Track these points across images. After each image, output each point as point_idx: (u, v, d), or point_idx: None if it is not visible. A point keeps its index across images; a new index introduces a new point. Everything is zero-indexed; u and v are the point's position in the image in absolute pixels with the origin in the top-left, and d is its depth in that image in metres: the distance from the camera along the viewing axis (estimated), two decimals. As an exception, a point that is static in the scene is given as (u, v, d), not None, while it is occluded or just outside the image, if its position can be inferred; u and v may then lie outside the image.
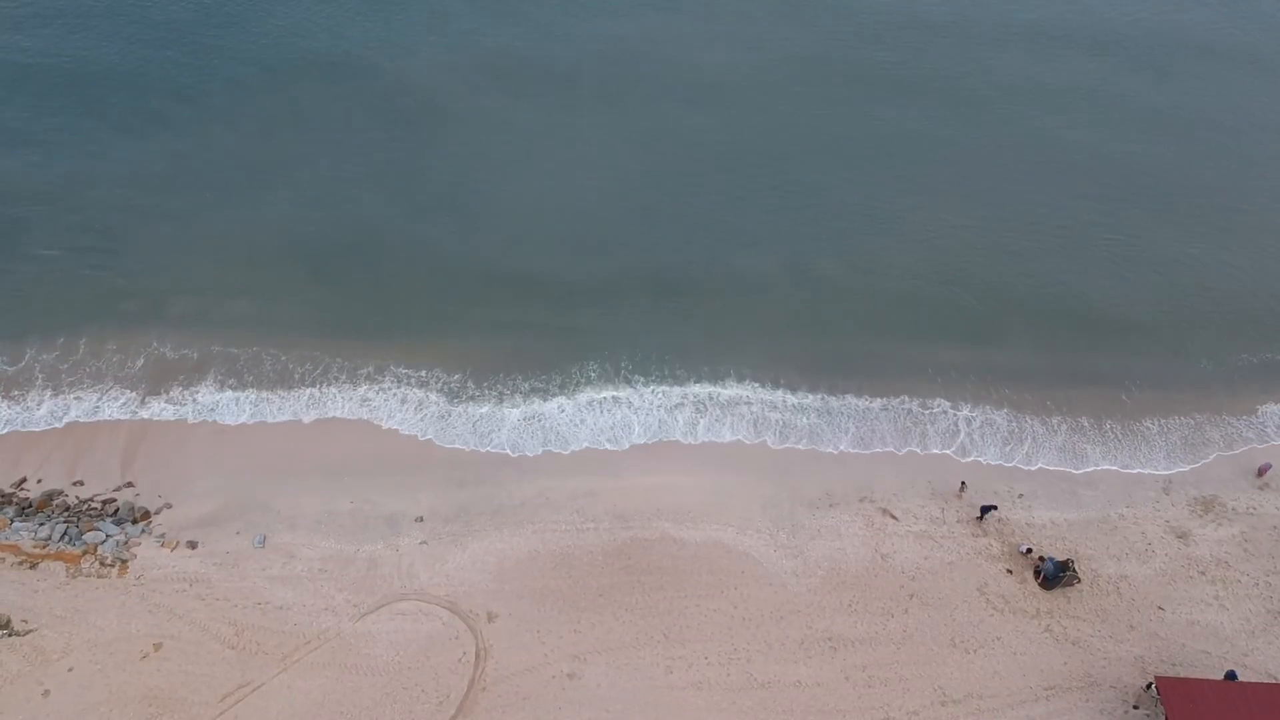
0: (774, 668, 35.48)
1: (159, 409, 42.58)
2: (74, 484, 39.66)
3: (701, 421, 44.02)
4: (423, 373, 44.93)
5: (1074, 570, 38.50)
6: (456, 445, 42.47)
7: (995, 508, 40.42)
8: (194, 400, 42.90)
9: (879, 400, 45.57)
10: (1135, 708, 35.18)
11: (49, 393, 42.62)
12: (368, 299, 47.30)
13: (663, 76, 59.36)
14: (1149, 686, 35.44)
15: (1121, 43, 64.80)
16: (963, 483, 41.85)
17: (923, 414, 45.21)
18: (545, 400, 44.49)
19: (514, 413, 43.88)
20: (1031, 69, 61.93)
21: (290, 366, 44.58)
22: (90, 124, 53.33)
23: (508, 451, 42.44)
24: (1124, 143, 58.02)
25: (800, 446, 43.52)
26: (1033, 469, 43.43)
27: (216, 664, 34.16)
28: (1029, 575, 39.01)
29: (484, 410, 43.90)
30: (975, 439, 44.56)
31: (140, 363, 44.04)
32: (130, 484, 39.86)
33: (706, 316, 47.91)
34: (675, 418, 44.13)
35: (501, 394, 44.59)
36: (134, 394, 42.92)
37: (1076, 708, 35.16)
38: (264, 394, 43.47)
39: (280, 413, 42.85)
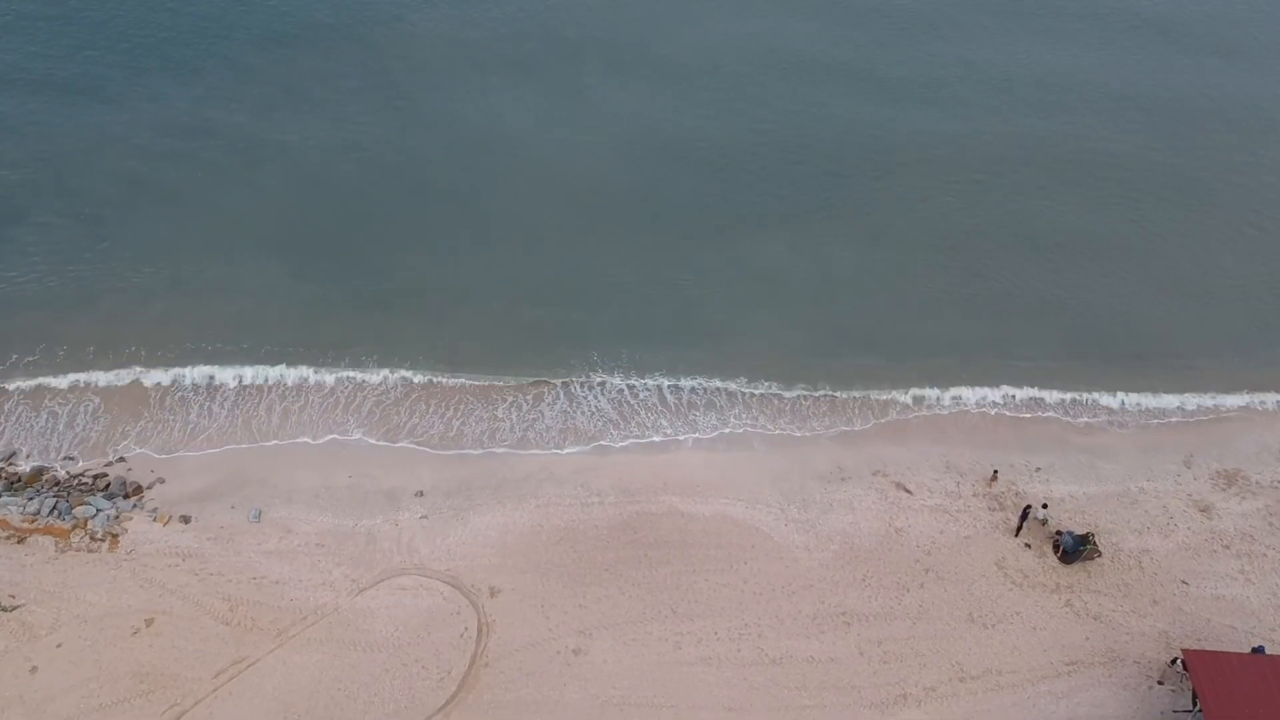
0: (786, 643, 34.34)
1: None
2: (64, 459, 38.58)
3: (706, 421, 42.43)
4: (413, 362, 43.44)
5: (1094, 544, 37.26)
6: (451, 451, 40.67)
7: (1030, 508, 38.52)
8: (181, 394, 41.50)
9: (894, 389, 44.18)
10: (1160, 683, 34.01)
11: (38, 373, 41.44)
12: (363, 285, 45.86)
13: (666, 61, 58.02)
14: (1174, 661, 34.24)
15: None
16: (995, 471, 40.39)
17: (936, 397, 44.07)
18: (545, 397, 42.87)
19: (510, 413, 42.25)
20: (1045, 59, 60.31)
21: (285, 361, 43.06)
22: (82, 100, 52.23)
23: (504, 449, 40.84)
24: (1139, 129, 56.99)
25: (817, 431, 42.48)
26: (1049, 442, 42.23)
27: (210, 640, 33.02)
28: (1048, 549, 37.85)
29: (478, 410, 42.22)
30: (987, 416, 43.53)
31: (133, 344, 42.68)
32: (122, 459, 38.77)
33: (711, 307, 46.31)
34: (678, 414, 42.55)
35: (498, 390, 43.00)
36: (127, 369, 41.79)
37: (1099, 683, 34.00)
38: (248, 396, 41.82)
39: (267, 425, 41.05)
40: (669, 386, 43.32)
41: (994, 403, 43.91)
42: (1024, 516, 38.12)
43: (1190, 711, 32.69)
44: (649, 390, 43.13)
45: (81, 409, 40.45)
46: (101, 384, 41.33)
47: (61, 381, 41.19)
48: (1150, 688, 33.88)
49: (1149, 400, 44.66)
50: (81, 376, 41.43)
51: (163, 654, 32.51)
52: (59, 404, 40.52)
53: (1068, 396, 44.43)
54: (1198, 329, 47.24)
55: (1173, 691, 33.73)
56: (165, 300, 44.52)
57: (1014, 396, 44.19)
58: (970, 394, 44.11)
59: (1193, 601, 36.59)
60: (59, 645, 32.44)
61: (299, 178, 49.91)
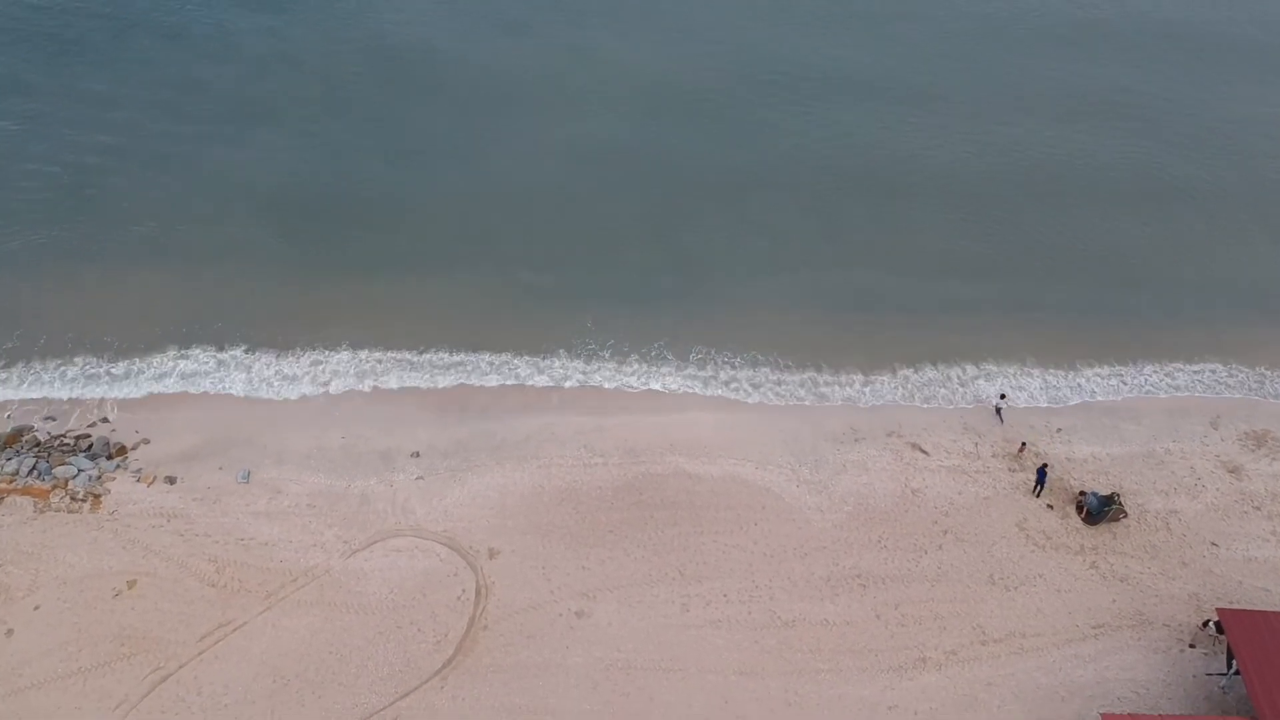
0: (799, 605, 32.76)
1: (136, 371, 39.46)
2: (45, 419, 37.03)
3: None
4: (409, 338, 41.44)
5: (1119, 504, 35.70)
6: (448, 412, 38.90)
7: (1046, 466, 37.03)
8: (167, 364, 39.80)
9: (906, 350, 42.38)
10: (1191, 646, 32.40)
11: (20, 334, 39.89)
12: (353, 257, 44.11)
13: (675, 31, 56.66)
14: (1206, 624, 32.66)
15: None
16: (1023, 443, 38.56)
17: (953, 359, 42.35)
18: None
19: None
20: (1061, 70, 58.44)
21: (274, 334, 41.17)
22: (69, 61, 50.80)
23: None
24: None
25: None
26: (1071, 404, 40.68)
27: (195, 602, 31.47)
28: (1071, 510, 36.27)
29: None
30: (1005, 377, 41.93)
31: (118, 306, 41.12)
32: (106, 419, 37.22)
33: (720, 270, 44.77)
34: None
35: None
36: (105, 356, 39.81)
37: (1127, 646, 32.40)
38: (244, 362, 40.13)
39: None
40: (675, 348, 41.74)
41: (1012, 364, 42.24)
42: (1041, 476, 36.55)
43: (1225, 674, 31.12)
44: (654, 351, 41.56)
45: (65, 369, 38.85)
46: (86, 344, 39.68)
47: (44, 341, 39.56)
48: (1181, 651, 32.29)
49: (1173, 364, 43.02)
50: (65, 337, 39.78)
51: (145, 616, 30.96)
52: (41, 364, 38.95)
53: (1090, 359, 42.78)
54: (1223, 296, 45.80)
55: (1205, 655, 32.14)
56: (153, 265, 43.06)
57: (1032, 358, 42.55)
58: (989, 357, 42.42)
59: (1223, 563, 35.01)
60: (36, 607, 30.90)
61: (290, 141, 48.48)
